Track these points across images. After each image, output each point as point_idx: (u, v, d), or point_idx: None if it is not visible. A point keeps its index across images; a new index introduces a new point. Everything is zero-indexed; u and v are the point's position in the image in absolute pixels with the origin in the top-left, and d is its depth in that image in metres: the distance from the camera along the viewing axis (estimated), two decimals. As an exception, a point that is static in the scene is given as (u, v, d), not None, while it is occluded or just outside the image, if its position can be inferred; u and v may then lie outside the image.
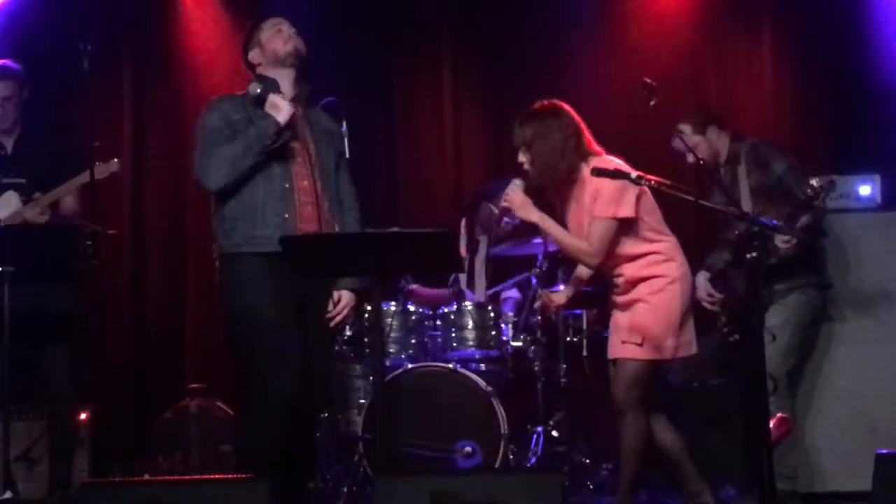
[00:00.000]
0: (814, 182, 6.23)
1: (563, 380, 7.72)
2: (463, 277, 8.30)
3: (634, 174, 5.89)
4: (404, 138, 9.30)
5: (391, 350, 7.72)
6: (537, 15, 9.01)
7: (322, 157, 6.15)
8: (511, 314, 7.86)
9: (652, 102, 6.10)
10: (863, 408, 7.27)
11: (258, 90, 6.00)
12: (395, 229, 5.53)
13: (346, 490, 7.36)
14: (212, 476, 6.73)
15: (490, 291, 8.17)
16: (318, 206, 6.05)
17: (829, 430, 7.27)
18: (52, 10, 8.75)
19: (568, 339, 7.81)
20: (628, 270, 6.23)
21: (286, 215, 5.92)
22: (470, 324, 7.75)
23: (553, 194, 6.37)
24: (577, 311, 7.83)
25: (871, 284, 7.35)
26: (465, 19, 9.22)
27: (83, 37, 6.96)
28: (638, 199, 6.09)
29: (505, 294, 8.12)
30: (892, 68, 8.16)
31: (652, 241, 6.20)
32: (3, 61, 7.42)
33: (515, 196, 6.24)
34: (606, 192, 6.06)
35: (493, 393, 7.37)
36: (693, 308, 6.31)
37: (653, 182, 5.87)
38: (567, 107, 6.30)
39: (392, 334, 7.74)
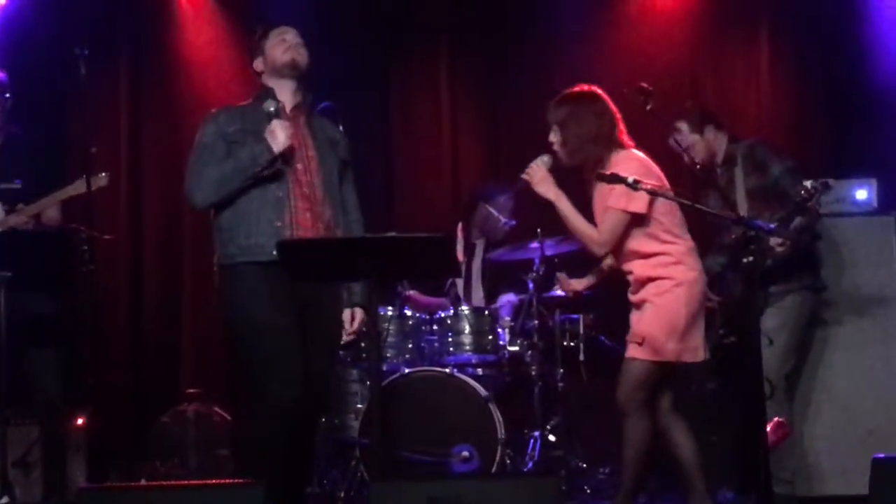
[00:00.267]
0: (807, 183, 6.23)
1: (559, 384, 7.72)
2: (460, 283, 8.31)
3: (631, 179, 5.89)
4: (401, 141, 9.31)
5: (388, 355, 7.72)
6: (535, 17, 9.01)
7: (325, 165, 6.13)
8: (508, 318, 7.87)
9: (648, 107, 6.13)
10: (859, 412, 7.27)
11: (272, 108, 5.96)
12: (392, 234, 5.51)
13: (343, 494, 7.37)
14: (209, 481, 6.74)
15: (491, 306, 8.15)
16: (319, 213, 6.03)
17: (825, 433, 7.27)
18: (49, 16, 8.74)
19: (565, 343, 7.80)
20: (638, 269, 6.23)
21: (278, 223, 5.90)
22: (467, 328, 7.75)
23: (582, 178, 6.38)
24: (574, 316, 7.84)
25: (868, 288, 7.35)
26: (462, 21, 9.22)
27: (79, 42, 6.96)
28: (665, 190, 6.08)
29: (502, 299, 8.13)
30: (889, 73, 8.17)
31: (665, 241, 6.19)
32: None
33: (538, 170, 6.27)
34: (621, 186, 6.08)
35: (490, 397, 7.37)
36: (702, 316, 6.26)
37: (648, 187, 5.88)
38: (605, 95, 6.32)
39: (389, 339, 7.74)
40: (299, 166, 6.03)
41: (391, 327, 7.76)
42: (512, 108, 9.09)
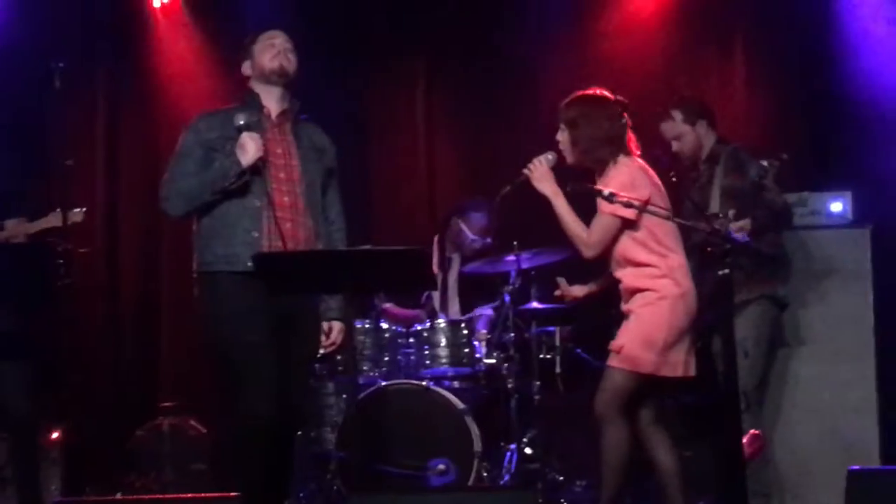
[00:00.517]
0: (763, 162, 6.23)
1: (536, 397, 7.70)
2: (436, 296, 8.31)
3: (607, 192, 5.91)
4: (377, 154, 9.30)
5: (364, 368, 7.71)
6: (512, 30, 9.02)
7: (308, 173, 6.10)
8: (484, 331, 7.87)
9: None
10: (835, 424, 7.29)
11: (241, 122, 5.93)
12: (368, 247, 5.51)
13: (319, 508, 7.37)
14: (185, 495, 6.71)
15: (466, 316, 8.17)
16: (300, 223, 6.02)
17: (801, 446, 7.29)
18: (24, 30, 8.70)
19: (541, 356, 7.79)
20: (627, 278, 6.21)
21: (255, 234, 5.89)
22: (443, 341, 7.75)
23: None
24: (551, 329, 7.84)
25: (843, 301, 7.38)
26: (440, 33, 9.22)
27: (55, 56, 6.95)
28: (645, 202, 6.06)
29: (478, 311, 8.13)
30: (865, 85, 8.18)
31: (654, 252, 6.15)
32: None
33: (540, 167, 6.25)
34: (614, 186, 6.08)
35: (467, 410, 7.38)
36: (689, 333, 6.17)
37: (624, 199, 5.88)
38: (618, 102, 6.31)
39: (365, 352, 7.73)
40: (281, 175, 6.01)
41: (367, 340, 7.75)
42: (489, 121, 9.09)
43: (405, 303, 8.29)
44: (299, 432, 7.35)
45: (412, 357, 7.76)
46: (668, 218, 5.94)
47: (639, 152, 6.31)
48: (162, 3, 9.11)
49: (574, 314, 7.71)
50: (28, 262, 7.19)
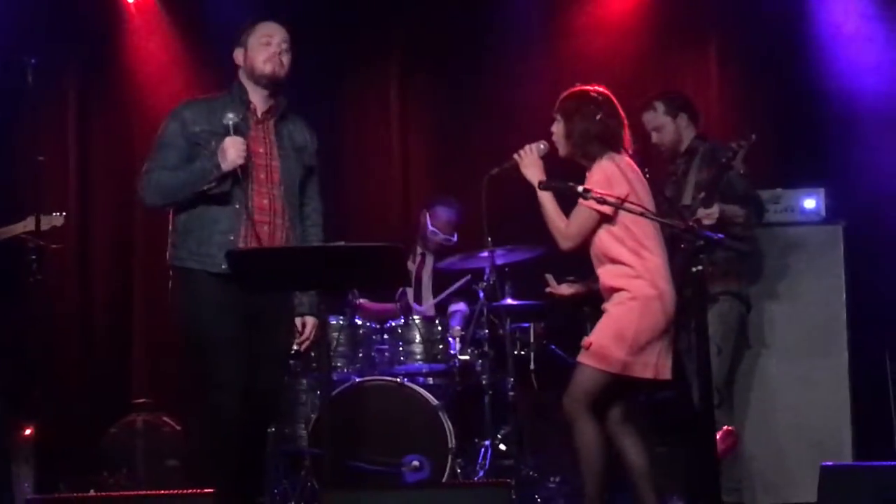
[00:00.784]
0: (732, 144, 6.23)
1: (510, 393, 7.68)
2: (410, 291, 8.31)
3: (581, 188, 5.91)
4: (351, 152, 9.29)
5: (338, 364, 7.72)
6: (485, 29, 9.02)
7: (288, 173, 6.09)
8: (459, 328, 7.86)
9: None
10: (806, 420, 7.32)
11: (229, 123, 5.88)
12: (342, 243, 5.50)
13: (293, 504, 7.36)
14: (158, 491, 6.70)
15: (435, 300, 8.17)
16: (277, 225, 6.01)
17: (773, 442, 7.31)
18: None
19: (516, 352, 7.79)
20: (604, 276, 6.18)
21: (231, 236, 5.86)
22: (417, 337, 7.76)
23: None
24: (525, 325, 7.85)
25: (816, 297, 7.41)
26: (412, 33, 9.22)
27: (27, 50, 6.92)
28: (623, 200, 6.04)
29: (452, 307, 8.13)
30: (838, 82, 8.21)
31: (632, 251, 6.11)
32: None
33: (531, 154, 6.25)
34: (592, 180, 6.09)
35: (441, 406, 7.38)
36: (664, 335, 6.12)
37: (599, 196, 5.88)
38: (615, 101, 6.31)
39: (339, 348, 7.74)
40: (262, 176, 5.99)
41: (341, 336, 7.75)
42: (462, 120, 9.09)
43: (379, 299, 8.29)
44: (272, 429, 7.36)
45: (386, 353, 7.76)
46: (642, 215, 5.93)
47: (630, 151, 6.31)
48: (135, -1, 9.10)
49: (548, 311, 7.72)
50: (4, 259, 7.17)
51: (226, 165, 5.84)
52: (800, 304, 7.41)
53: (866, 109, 8.05)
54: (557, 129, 6.31)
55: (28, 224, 7.12)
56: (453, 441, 7.30)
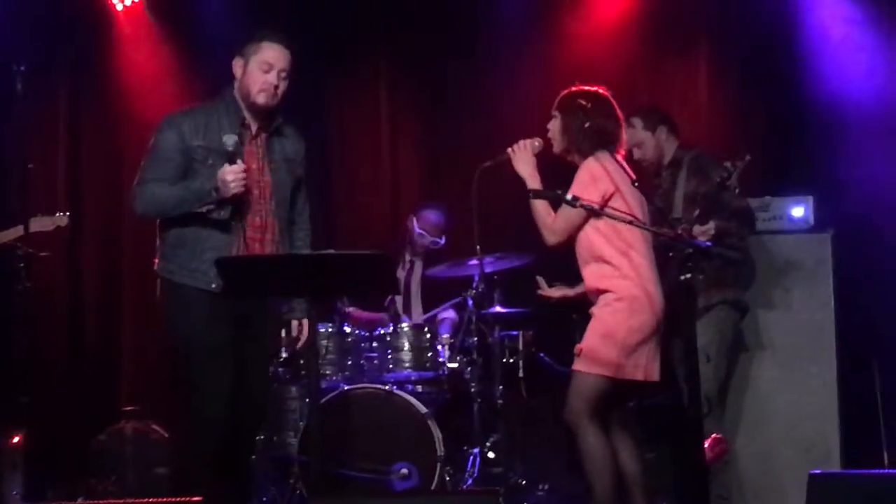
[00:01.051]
0: (727, 163, 6.23)
1: (499, 401, 7.70)
2: (399, 300, 8.31)
3: (570, 196, 5.90)
4: (340, 159, 9.30)
5: (327, 372, 7.71)
6: (473, 36, 9.03)
7: (279, 187, 6.08)
8: (447, 335, 7.86)
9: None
10: (795, 428, 7.32)
11: (230, 148, 5.85)
12: (330, 251, 5.50)
13: (281, 512, 7.35)
14: (147, 499, 6.69)
15: (426, 316, 8.18)
16: (269, 240, 6.00)
17: (762, 450, 7.32)
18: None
19: (504, 360, 7.79)
20: (589, 277, 6.14)
21: (223, 254, 5.80)
22: (406, 345, 7.75)
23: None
24: (514, 333, 7.85)
25: (805, 305, 7.41)
26: (401, 39, 9.22)
27: (16, 57, 6.91)
28: (608, 198, 6.05)
29: (441, 315, 8.13)
30: (826, 90, 8.22)
31: (618, 250, 6.09)
32: None
33: (524, 149, 6.23)
34: (578, 178, 6.09)
35: (430, 414, 7.38)
36: (652, 336, 6.10)
37: (587, 203, 5.88)
38: (614, 103, 6.31)
39: (328, 356, 7.73)
40: (255, 192, 5.98)
41: (330, 344, 7.75)
42: (451, 127, 9.09)
43: (368, 306, 8.29)
44: (261, 436, 7.36)
45: (375, 361, 7.76)
46: (630, 223, 5.93)
47: (623, 152, 6.32)
48: (125, 7, 9.08)
49: (537, 318, 7.72)
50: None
51: (224, 193, 5.82)
52: (788, 312, 7.41)
53: (855, 118, 8.05)
54: (554, 125, 6.31)
55: (20, 230, 7.10)
56: (442, 449, 7.30)
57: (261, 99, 5.99)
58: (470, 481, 7.53)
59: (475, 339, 7.68)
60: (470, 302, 7.65)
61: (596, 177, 6.09)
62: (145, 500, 6.58)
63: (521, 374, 7.82)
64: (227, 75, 6.12)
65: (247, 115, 6.04)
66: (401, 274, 8.46)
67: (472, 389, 7.69)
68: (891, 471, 6.78)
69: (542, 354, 7.87)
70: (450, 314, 8.11)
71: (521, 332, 7.85)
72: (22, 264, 7.23)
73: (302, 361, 7.53)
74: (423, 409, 7.38)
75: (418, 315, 8.33)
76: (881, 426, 7.43)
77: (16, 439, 7.46)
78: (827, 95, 8.18)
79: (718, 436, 6.69)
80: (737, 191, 6.61)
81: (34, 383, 8.11)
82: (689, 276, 5.62)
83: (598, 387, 6.06)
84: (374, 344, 7.80)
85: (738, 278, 7.18)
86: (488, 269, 7.62)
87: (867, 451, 7.34)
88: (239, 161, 5.86)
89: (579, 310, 6.31)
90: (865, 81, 8.16)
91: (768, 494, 7.27)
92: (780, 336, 7.40)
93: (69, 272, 9.02)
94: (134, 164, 6.18)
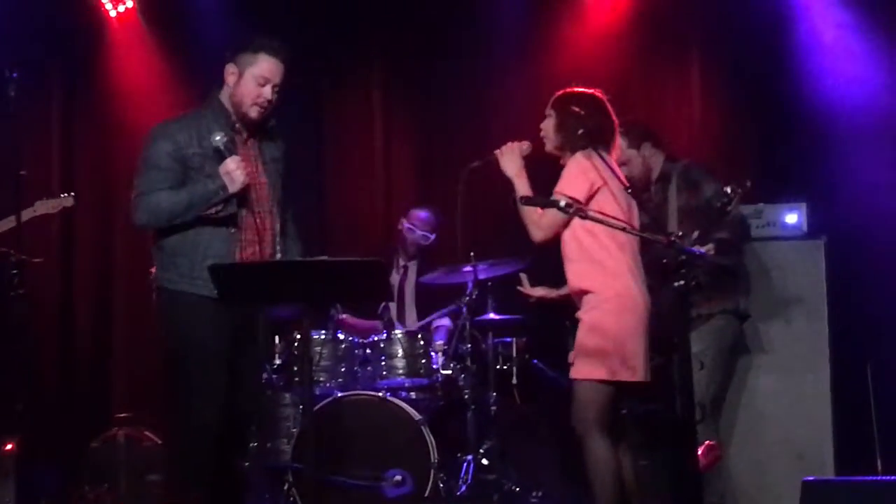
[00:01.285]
0: (727, 188, 6.20)
1: (493, 408, 7.70)
2: (393, 306, 8.30)
3: (563, 202, 5.88)
4: (333, 161, 9.30)
5: (321, 379, 7.70)
6: (468, 38, 9.03)
7: (274, 191, 6.08)
8: (441, 342, 7.86)
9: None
10: (789, 435, 7.32)
11: (220, 145, 5.85)
12: (324, 258, 5.50)
13: (275, 519, 7.35)
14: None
15: (421, 323, 8.18)
16: (266, 243, 5.99)
17: (755, 457, 7.32)
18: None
19: (498, 366, 7.79)
20: (573, 276, 6.11)
21: (224, 260, 5.82)
22: (400, 352, 7.75)
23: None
24: (507, 339, 7.84)
25: (797, 312, 7.41)
26: (395, 42, 9.23)
27: (9, 64, 6.90)
28: (594, 192, 6.04)
29: (436, 323, 8.13)
30: (820, 97, 8.22)
31: (604, 247, 6.05)
32: None
33: (511, 150, 6.23)
34: (565, 172, 6.09)
35: (424, 421, 7.37)
36: (641, 336, 6.07)
37: (579, 209, 5.86)
38: (609, 106, 6.29)
39: (322, 363, 7.72)
40: (252, 195, 5.98)
41: (324, 351, 7.74)
42: (445, 130, 9.10)
43: (362, 313, 8.28)
44: (254, 443, 7.35)
45: (369, 368, 7.75)
46: (623, 229, 5.92)
47: (617, 153, 6.32)
48: (118, 14, 9.09)
49: (530, 325, 7.72)
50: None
51: (234, 187, 5.83)
52: (782, 319, 7.41)
53: (848, 124, 8.05)
54: (548, 123, 6.29)
55: (12, 221, 7.09)
56: (436, 455, 7.29)
57: (253, 112, 5.98)
58: (464, 488, 7.52)
59: (469, 345, 7.68)
60: (464, 309, 7.64)
61: (584, 168, 6.07)
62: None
63: (514, 380, 7.82)
64: (220, 81, 6.10)
65: (236, 119, 6.03)
66: (395, 278, 8.46)
67: (466, 396, 7.69)
68: (884, 478, 6.77)
69: (535, 361, 7.86)
70: (444, 322, 8.11)
71: (514, 339, 7.85)
72: (15, 271, 7.22)
73: (295, 368, 7.52)
74: (417, 416, 7.38)
75: (413, 321, 8.34)
76: (875, 433, 7.43)
77: (9, 446, 7.45)
78: (820, 102, 8.19)
79: (712, 443, 6.68)
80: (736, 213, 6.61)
81: (27, 390, 8.11)
82: (682, 282, 5.61)
83: (600, 391, 6.03)
84: (368, 351, 7.79)
85: (738, 286, 7.18)
86: (482, 276, 7.62)
87: (861, 458, 7.33)
88: (233, 155, 5.86)
89: (572, 317, 6.30)
90: (858, 88, 8.16)
91: (762, 501, 7.27)
92: (774, 343, 7.39)
93: (62, 278, 9.01)
94: (127, 170, 6.17)
